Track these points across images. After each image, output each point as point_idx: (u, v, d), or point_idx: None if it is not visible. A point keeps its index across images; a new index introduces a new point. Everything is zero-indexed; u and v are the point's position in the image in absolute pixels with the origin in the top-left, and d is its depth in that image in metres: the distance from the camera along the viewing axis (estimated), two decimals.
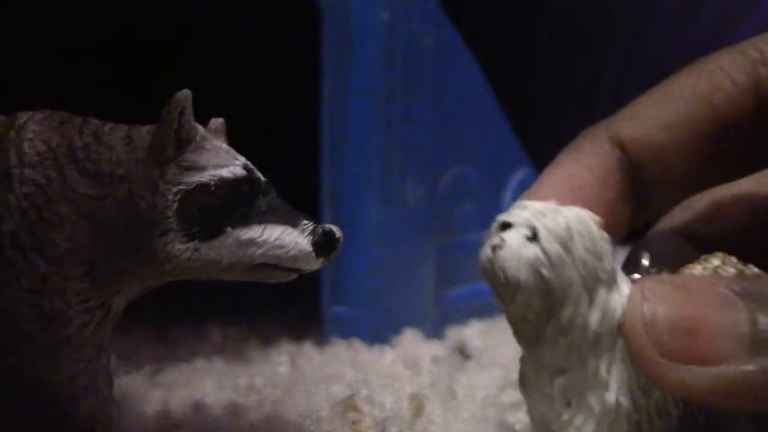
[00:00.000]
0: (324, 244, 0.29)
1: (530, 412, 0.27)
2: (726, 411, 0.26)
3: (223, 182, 0.28)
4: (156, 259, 0.28)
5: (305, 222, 0.29)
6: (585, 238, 0.24)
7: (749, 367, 0.23)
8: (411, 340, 0.49)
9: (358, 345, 0.47)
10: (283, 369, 0.44)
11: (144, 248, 0.28)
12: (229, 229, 0.28)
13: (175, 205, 0.28)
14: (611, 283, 0.25)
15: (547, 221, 0.24)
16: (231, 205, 0.28)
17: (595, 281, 0.24)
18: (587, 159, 0.28)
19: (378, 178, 0.49)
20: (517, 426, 0.33)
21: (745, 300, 0.23)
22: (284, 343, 0.48)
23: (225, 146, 0.30)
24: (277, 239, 0.29)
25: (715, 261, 0.27)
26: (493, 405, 0.35)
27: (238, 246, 0.28)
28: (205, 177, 0.28)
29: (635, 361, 0.24)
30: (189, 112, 0.28)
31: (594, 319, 0.24)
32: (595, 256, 0.24)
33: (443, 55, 0.52)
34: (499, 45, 0.54)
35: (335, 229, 0.29)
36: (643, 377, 0.25)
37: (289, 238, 0.29)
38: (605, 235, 0.25)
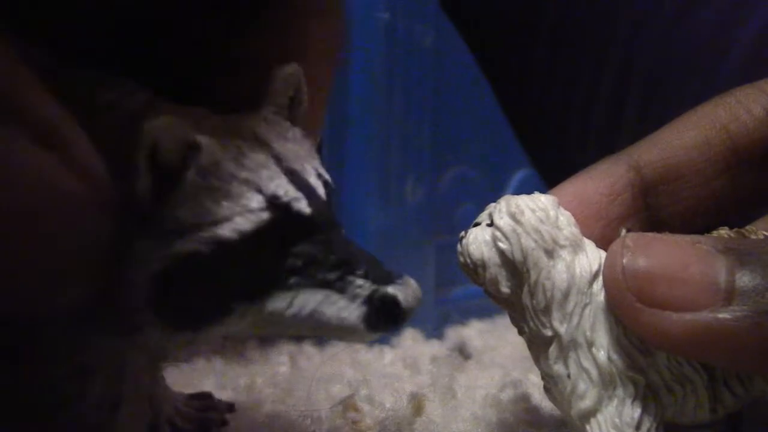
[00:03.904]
0: (382, 317, 0.22)
1: (553, 401, 0.28)
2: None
3: (223, 246, 0.20)
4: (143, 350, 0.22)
5: (360, 283, 0.21)
6: (538, 212, 0.26)
7: (724, 315, 0.23)
8: (411, 340, 0.49)
9: (358, 345, 0.47)
10: (283, 369, 0.44)
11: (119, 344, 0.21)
12: (236, 307, 0.21)
13: (148, 293, 0.20)
14: (576, 248, 0.26)
15: (500, 206, 0.27)
16: (238, 273, 0.21)
17: (555, 246, 0.26)
18: (599, 177, 0.29)
19: (378, 178, 0.49)
20: (517, 425, 0.33)
21: (726, 254, 0.24)
22: (284, 343, 0.48)
23: (256, 165, 0.21)
24: (313, 312, 0.21)
25: (722, 231, 0.27)
26: (493, 405, 0.35)
27: (253, 324, 0.22)
28: (191, 243, 0.20)
29: (613, 307, 0.25)
30: (173, 138, 0.20)
31: (560, 278, 0.26)
32: (551, 225, 0.26)
33: (443, 55, 0.53)
34: (498, 45, 0.54)
35: (401, 293, 0.22)
36: (623, 324, 0.25)
37: (330, 311, 0.21)
38: (566, 212, 0.27)
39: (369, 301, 0.21)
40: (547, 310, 0.26)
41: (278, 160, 0.22)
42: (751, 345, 0.23)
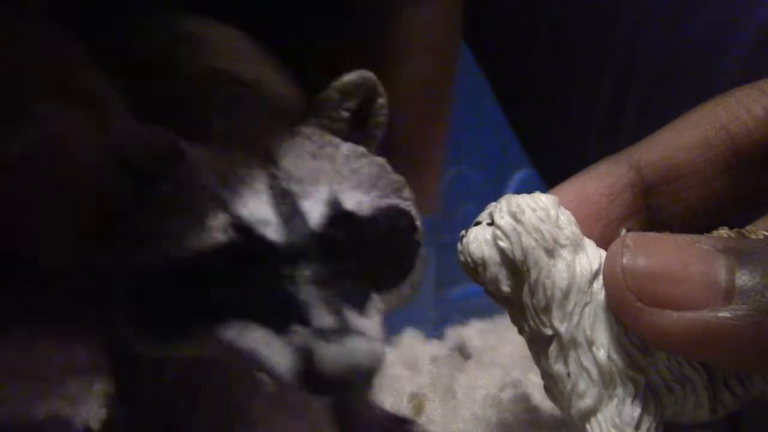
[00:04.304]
0: (310, 379, 0.19)
1: (553, 400, 0.28)
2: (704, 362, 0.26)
3: (174, 262, 0.19)
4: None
5: (300, 330, 0.19)
6: (538, 211, 0.26)
7: (724, 314, 0.23)
8: (411, 340, 0.49)
9: None
10: None
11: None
12: (194, 327, 0.20)
13: (119, 291, 0.20)
14: (576, 247, 0.26)
15: (501, 205, 0.27)
16: (192, 293, 0.20)
17: (555, 245, 0.26)
18: (600, 177, 0.29)
19: None
20: (517, 425, 0.33)
21: (726, 254, 0.24)
22: None
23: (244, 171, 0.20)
24: (252, 350, 0.19)
25: (722, 231, 0.27)
26: (493, 405, 0.35)
27: (211, 348, 0.20)
28: (148, 255, 0.19)
29: (613, 306, 0.25)
30: (154, 146, 0.19)
31: (560, 277, 0.26)
32: (551, 224, 0.26)
33: None
34: (498, 45, 0.54)
35: (332, 355, 0.18)
36: (623, 323, 0.25)
37: (265, 351, 0.19)
38: (566, 211, 0.27)
39: (300, 354, 0.19)
40: (547, 309, 0.26)
41: (274, 178, 0.21)
42: (751, 344, 0.23)
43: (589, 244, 0.27)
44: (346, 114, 0.22)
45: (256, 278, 0.19)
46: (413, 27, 0.23)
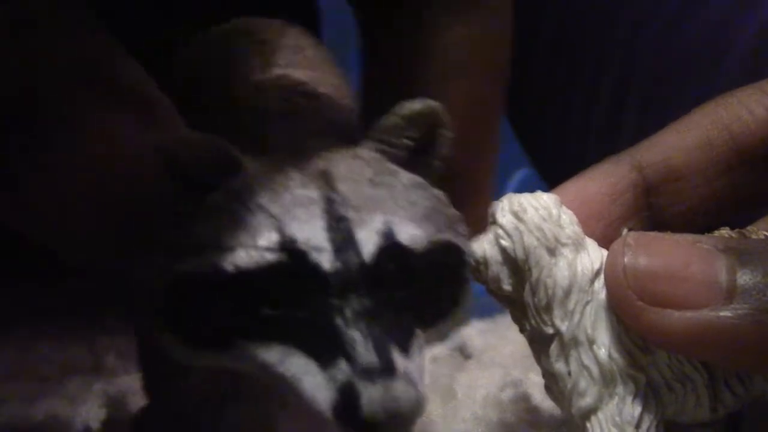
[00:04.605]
0: (347, 414, 0.18)
1: (554, 399, 0.28)
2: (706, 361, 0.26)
3: (220, 275, 0.19)
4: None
5: (342, 366, 0.18)
6: (540, 210, 0.26)
7: (725, 313, 0.23)
8: None
9: None
10: None
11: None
12: (240, 341, 0.19)
13: (160, 297, 0.19)
14: (577, 246, 0.26)
15: (503, 204, 0.26)
16: (240, 309, 0.19)
17: (557, 244, 0.26)
18: (601, 177, 0.29)
19: None
20: (517, 425, 0.33)
21: (727, 253, 0.24)
22: None
23: (298, 188, 0.19)
24: (292, 377, 0.19)
25: (723, 232, 0.27)
26: (493, 405, 0.35)
27: (255, 367, 0.19)
28: (194, 263, 0.19)
29: (615, 305, 0.25)
30: (211, 155, 0.19)
31: (562, 276, 0.26)
32: (553, 223, 0.26)
33: None
34: None
35: (372, 396, 0.18)
36: (624, 322, 0.25)
37: (307, 382, 0.19)
38: (568, 210, 0.27)
39: (343, 389, 0.18)
40: (548, 308, 0.26)
41: (330, 202, 0.20)
42: (751, 343, 0.23)
43: (591, 244, 0.27)
44: (408, 142, 0.21)
45: (305, 305, 0.19)
46: (460, 47, 0.22)
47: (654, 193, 0.29)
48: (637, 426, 0.25)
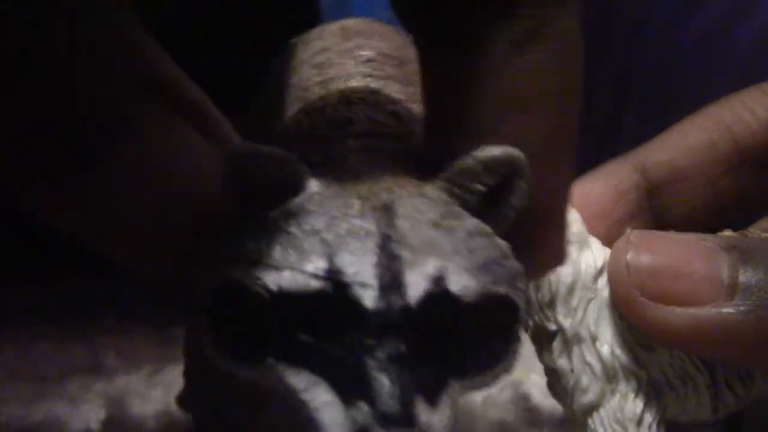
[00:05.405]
0: None
1: (555, 396, 0.28)
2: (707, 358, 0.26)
3: (263, 292, 0.19)
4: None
5: (364, 409, 0.18)
6: None
7: (727, 309, 0.23)
8: None
9: None
10: None
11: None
12: (270, 360, 0.19)
13: (207, 302, 0.19)
14: (581, 244, 0.26)
15: None
16: (274, 330, 0.19)
17: None
18: (605, 178, 0.29)
19: None
20: (517, 425, 0.33)
21: (729, 251, 0.24)
22: None
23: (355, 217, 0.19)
24: (315, 408, 0.18)
25: (726, 234, 0.27)
26: (492, 404, 0.35)
27: (281, 388, 0.19)
28: (239, 275, 0.19)
29: (618, 302, 0.25)
30: (276, 171, 0.19)
31: (565, 273, 0.26)
32: None
33: None
34: None
35: None
36: (627, 320, 0.25)
37: (327, 416, 0.18)
38: (573, 209, 0.26)
39: (363, 428, 0.18)
40: (551, 305, 0.26)
41: (386, 239, 0.19)
42: (753, 339, 0.23)
43: (594, 242, 0.27)
44: (481, 188, 0.20)
45: (341, 339, 0.19)
46: (525, 77, 0.20)
47: (657, 194, 0.29)
48: (639, 423, 0.25)
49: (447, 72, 0.20)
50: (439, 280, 0.19)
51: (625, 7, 0.50)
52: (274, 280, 0.18)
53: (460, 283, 0.19)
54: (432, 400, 0.19)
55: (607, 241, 0.27)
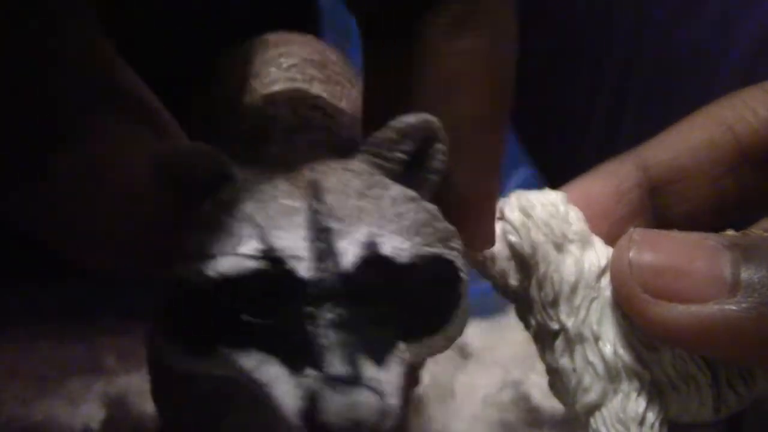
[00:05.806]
0: (313, 425, 0.18)
1: (557, 396, 0.28)
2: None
3: (204, 282, 0.19)
4: None
5: (311, 373, 0.19)
6: (548, 206, 0.26)
7: (729, 306, 0.23)
8: None
9: None
10: None
11: None
12: (222, 349, 0.20)
13: (158, 301, 0.20)
14: (584, 243, 0.26)
15: (511, 200, 0.27)
16: (222, 317, 0.20)
17: (564, 240, 0.26)
18: (606, 177, 0.29)
19: None
20: (517, 425, 0.33)
21: (731, 249, 0.24)
22: None
23: (279, 199, 0.20)
24: (266, 384, 0.19)
25: (728, 233, 0.27)
26: (492, 404, 0.35)
27: (235, 373, 0.20)
28: (182, 270, 0.19)
29: (620, 300, 0.25)
30: (203, 166, 0.20)
31: (568, 271, 0.26)
32: (561, 220, 0.26)
33: None
34: None
35: (336, 403, 0.18)
36: (630, 318, 0.25)
37: (278, 389, 0.19)
38: (575, 207, 0.27)
39: (308, 398, 0.18)
40: (554, 304, 0.26)
41: (314, 213, 0.20)
42: (755, 336, 0.24)
43: (597, 241, 0.27)
44: (401, 156, 0.21)
45: (282, 313, 0.19)
46: (463, 62, 0.21)
47: (659, 193, 0.29)
48: (641, 423, 0.25)
49: (387, 59, 0.22)
50: (371, 245, 0.20)
51: (625, 7, 0.50)
52: (213, 267, 0.19)
53: (392, 245, 0.20)
54: (379, 361, 0.19)
55: (609, 240, 0.27)
